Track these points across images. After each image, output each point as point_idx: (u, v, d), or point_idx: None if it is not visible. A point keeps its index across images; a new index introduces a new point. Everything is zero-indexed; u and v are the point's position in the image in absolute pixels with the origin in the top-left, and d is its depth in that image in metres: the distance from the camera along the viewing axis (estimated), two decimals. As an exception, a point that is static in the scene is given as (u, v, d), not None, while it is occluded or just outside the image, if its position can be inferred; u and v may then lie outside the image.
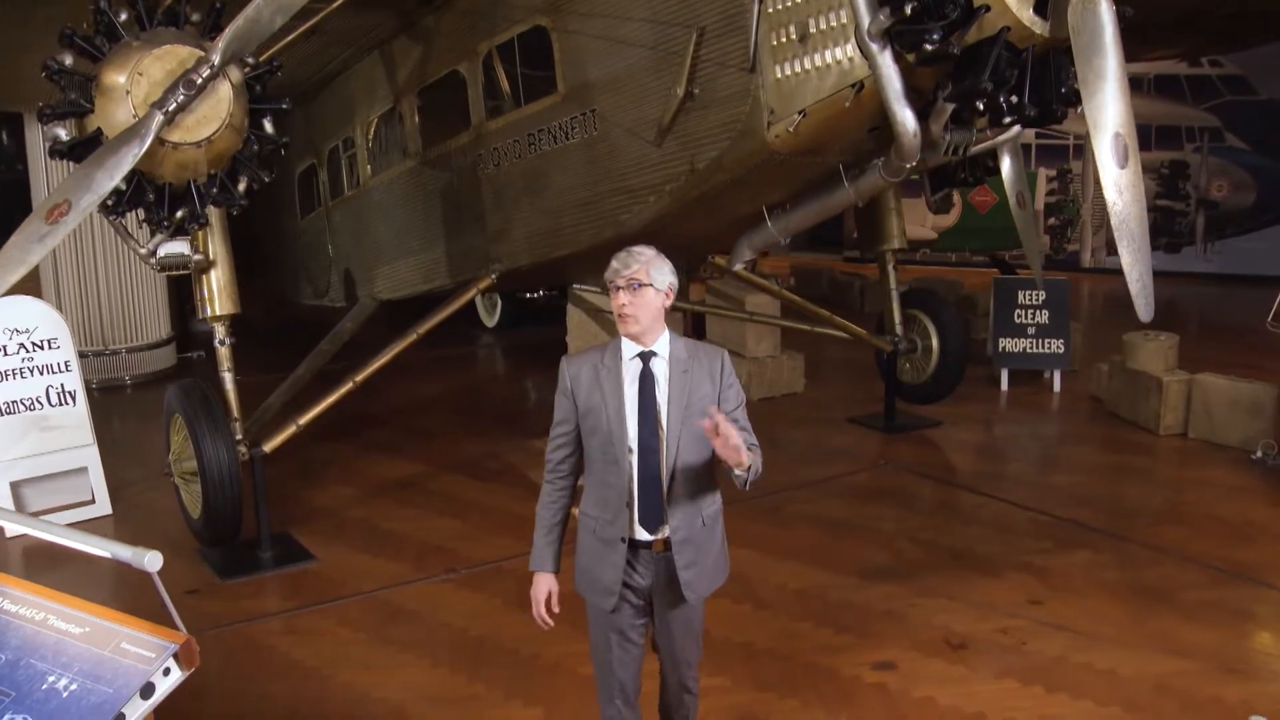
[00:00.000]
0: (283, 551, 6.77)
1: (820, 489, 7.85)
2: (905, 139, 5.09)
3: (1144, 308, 4.76)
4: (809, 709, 4.86)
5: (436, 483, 8.27)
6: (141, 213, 5.93)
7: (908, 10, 4.63)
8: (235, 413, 6.60)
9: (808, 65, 5.27)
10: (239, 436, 6.56)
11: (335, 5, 6.89)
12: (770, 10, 5.36)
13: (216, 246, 6.43)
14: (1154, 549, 6.66)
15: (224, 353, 6.60)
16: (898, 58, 4.92)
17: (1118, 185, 4.71)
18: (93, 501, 7.54)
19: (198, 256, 6.27)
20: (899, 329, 9.55)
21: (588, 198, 6.78)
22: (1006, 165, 8.69)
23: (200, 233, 6.30)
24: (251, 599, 6.24)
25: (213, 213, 6.29)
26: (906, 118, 5.02)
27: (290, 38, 6.71)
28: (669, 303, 3.47)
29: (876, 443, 9.11)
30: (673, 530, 3.50)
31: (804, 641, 5.52)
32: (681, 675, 3.80)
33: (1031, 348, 10.80)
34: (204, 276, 6.46)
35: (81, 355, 7.75)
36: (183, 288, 13.07)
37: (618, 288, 3.43)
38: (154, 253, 6.06)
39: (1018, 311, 10.82)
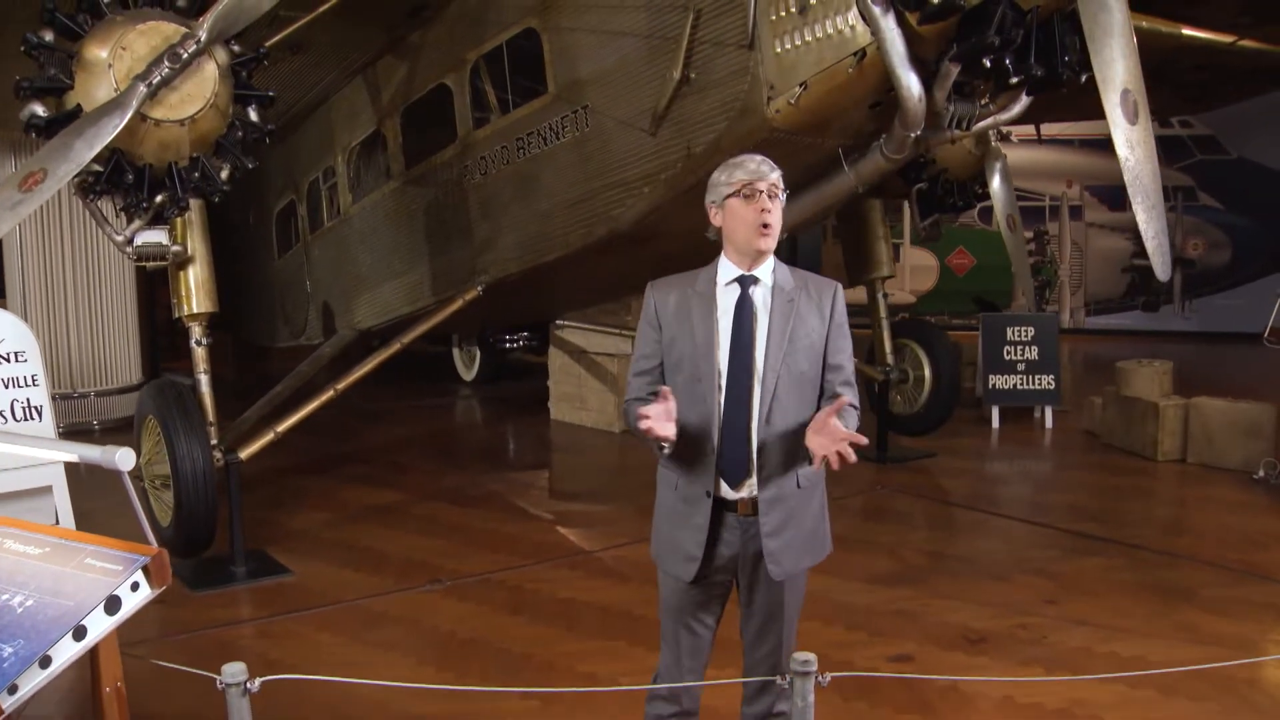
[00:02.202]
0: (257, 566, 6.42)
1: (816, 510, 7.57)
2: (910, 104, 4.99)
3: (1161, 265, 4.63)
4: (824, 695, 4.53)
5: (417, 508, 7.94)
6: (119, 201, 5.72)
7: (913, -38, 4.56)
8: (211, 416, 6.30)
9: (808, 37, 5.19)
10: (214, 441, 6.25)
11: (324, 8, 6.79)
12: (769, -15, 5.30)
13: (195, 242, 6.21)
14: (1166, 554, 6.44)
15: (200, 353, 6.32)
16: (900, 20, 4.85)
17: (1129, 141, 4.61)
18: (56, 523, 7.15)
19: (176, 248, 6.04)
20: (890, 358, 9.39)
21: (579, 196, 6.63)
22: (996, 185, 8.69)
23: (180, 227, 6.09)
24: (223, 608, 5.88)
25: (194, 206, 6.10)
26: (911, 81, 4.93)
27: (281, 35, 6.56)
28: None
29: (870, 472, 8.86)
30: (761, 487, 3.05)
31: (814, 638, 5.19)
32: (765, 676, 3.26)
33: (1022, 384, 10.66)
34: (181, 273, 6.22)
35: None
36: (155, 332, 12.85)
37: (761, 193, 2.98)
38: (131, 240, 5.82)
39: (1007, 348, 10.69)
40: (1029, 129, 15.65)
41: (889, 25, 4.84)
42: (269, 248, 11.34)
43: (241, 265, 12.16)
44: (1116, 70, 4.59)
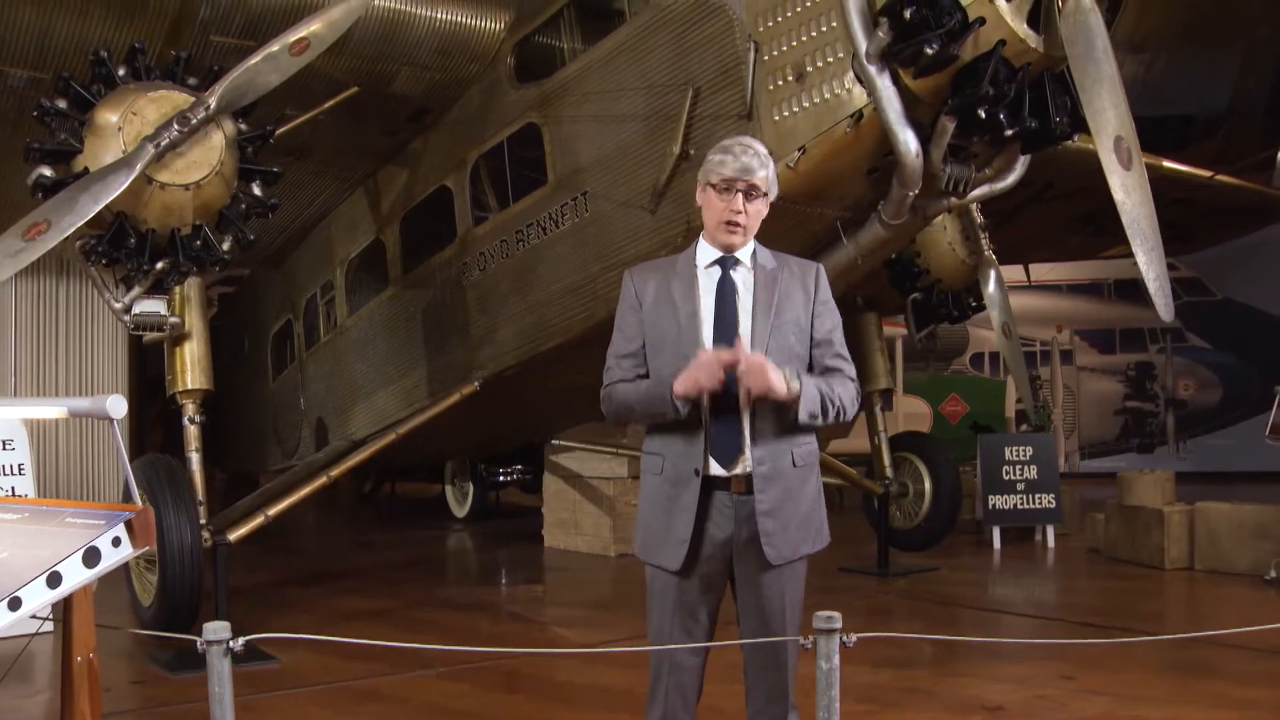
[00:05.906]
0: (241, 654, 6.12)
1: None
2: (907, 161, 5.08)
3: (1163, 306, 4.64)
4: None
5: (410, 613, 7.69)
6: (120, 269, 5.74)
7: (907, 15, 4.71)
8: (201, 495, 6.14)
9: (805, 103, 5.32)
10: (203, 521, 6.08)
11: (330, 105, 6.99)
12: (767, 57, 5.47)
13: (193, 318, 6.19)
14: (1184, 640, 6.20)
15: (193, 431, 6.21)
16: (895, 79, 4.99)
17: (1125, 186, 4.68)
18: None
19: (174, 319, 6.02)
20: (889, 471, 9.28)
21: (578, 282, 6.67)
22: (991, 290, 8.78)
23: (178, 301, 6.10)
24: (203, 687, 5.57)
25: (192, 284, 6.12)
26: (908, 138, 5.03)
27: (287, 128, 6.71)
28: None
29: (874, 583, 8.63)
30: (755, 463, 2.95)
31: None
32: (769, 679, 3.10)
33: (1022, 503, 10.50)
34: (177, 348, 6.19)
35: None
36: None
37: (735, 190, 2.97)
38: (129, 309, 5.81)
39: (1005, 467, 10.57)
40: (1019, 274, 15.99)
41: (885, 84, 4.98)
42: (263, 372, 11.33)
43: (233, 394, 12.11)
44: (1108, 118, 4.71)
